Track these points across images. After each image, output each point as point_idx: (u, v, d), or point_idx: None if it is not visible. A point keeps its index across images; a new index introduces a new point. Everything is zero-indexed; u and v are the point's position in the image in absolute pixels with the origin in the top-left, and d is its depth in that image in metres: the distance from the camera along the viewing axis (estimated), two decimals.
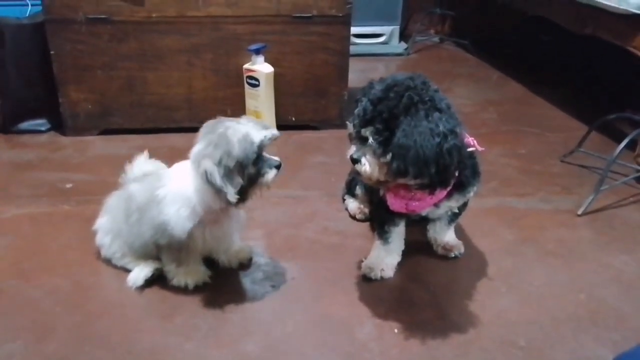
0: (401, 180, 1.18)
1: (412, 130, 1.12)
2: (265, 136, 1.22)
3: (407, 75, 1.20)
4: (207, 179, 1.17)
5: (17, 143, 2.14)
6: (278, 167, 1.26)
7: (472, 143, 1.26)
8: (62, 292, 1.37)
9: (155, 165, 1.44)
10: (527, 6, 2.68)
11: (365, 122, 1.18)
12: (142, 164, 1.44)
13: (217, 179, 1.17)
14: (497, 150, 2.12)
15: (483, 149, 1.29)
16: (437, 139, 1.11)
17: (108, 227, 1.41)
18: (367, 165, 1.19)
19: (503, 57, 3.23)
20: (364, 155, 1.19)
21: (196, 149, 1.22)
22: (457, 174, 1.22)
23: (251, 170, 1.21)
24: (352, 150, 1.22)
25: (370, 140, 1.17)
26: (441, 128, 1.12)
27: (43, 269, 1.44)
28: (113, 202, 1.42)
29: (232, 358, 1.19)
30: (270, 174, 1.25)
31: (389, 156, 1.15)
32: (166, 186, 1.29)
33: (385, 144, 1.15)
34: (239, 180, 1.20)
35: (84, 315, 1.30)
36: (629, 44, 1.91)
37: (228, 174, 1.18)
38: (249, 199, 1.26)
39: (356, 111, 1.20)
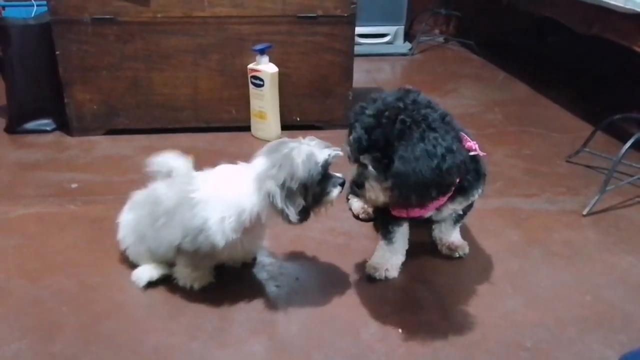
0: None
1: (409, 156, 1.11)
2: (329, 155, 1.21)
3: (396, 96, 1.19)
4: (270, 201, 1.17)
5: (23, 143, 2.15)
6: (342, 184, 1.25)
7: (474, 147, 1.26)
8: (68, 292, 1.37)
9: (182, 163, 1.37)
10: (533, 6, 2.68)
11: (362, 150, 1.18)
12: (169, 160, 1.37)
13: (279, 201, 1.16)
14: (503, 150, 2.12)
15: (485, 154, 1.28)
16: (435, 161, 1.11)
17: (132, 226, 1.37)
18: (370, 191, 1.21)
19: (508, 58, 3.23)
20: (367, 180, 1.20)
21: (259, 168, 1.21)
22: (458, 180, 1.22)
23: (316, 189, 1.21)
24: (354, 173, 1.23)
25: (370, 167, 1.19)
26: (438, 149, 1.11)
27: (49, 269, 1.45)
28: (140, 200, 1.38)
29: (237, 358, 1.19)
30: (335, 192, 1.24)
31: (390, 182, 1.16)
32: (202, 190, 1.25)
33: (385, 170, 1.16)
34: (301, 201, 1.20)
35: (89, 315, 1.30)
36: (636, 44, 1.91)
37: (290, 195, 1.18)
38: (311, 216, 1.25)
39: (351, 138, 1.20)
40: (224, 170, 1.30)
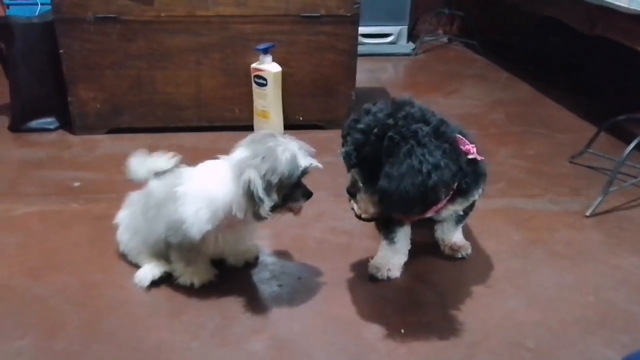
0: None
1: (394, 173, 1.12)
2: (310, 164, 1.22)
3: (388, 110, 1.19)
4: (248, 188, 1.17)
5: (26, 141, 2.16)
6: (309, 196, 1.27)
7: (472, 150, 1.25)
8: (71, 289, 1.37)
9: (170, 162, 1.39)
10: (537, 6, 2.67)
11: (352, 165, 1.22)
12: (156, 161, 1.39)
13: (260, 190, 1.17)
14: (506, 151, 2.11)
15: (482, 158, 1.28)
16: (420, 178, 1.11)
17: (127, 222, 1.41)
18: (361, 202, 1.25)
19: (512, 58, 3.23)
20: (358, 192, 1.24)
21: (239, 156, 1.22)
22: (455, 185, 1.23)
23: (287, 191, 1.22)
24: (348, 182, 1.27)
25: (359, 183, 1.22)
26: (424, 165, 1.11)
27: (51, 266, 1.45)
28: (134, 197, 1.41)
29: (238, 357, 1.19)
30: (301, 202, 1.26)
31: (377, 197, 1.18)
32: (186, 184, 1.28)
33: (373, 184, 1.18)
34: (275, 198, 1.20)
35: (92, 312, 1.30)
36: (639, 44, 1.90)
37: (268, 189, 1.18)
38: (272, 217, 1.25)
39: (342, 152, 1.23)
40: (207, 165, 1.31)
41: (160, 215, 1.30)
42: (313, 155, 1.25)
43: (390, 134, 1.14)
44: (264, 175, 1.17)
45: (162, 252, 1.37)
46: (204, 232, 1.26)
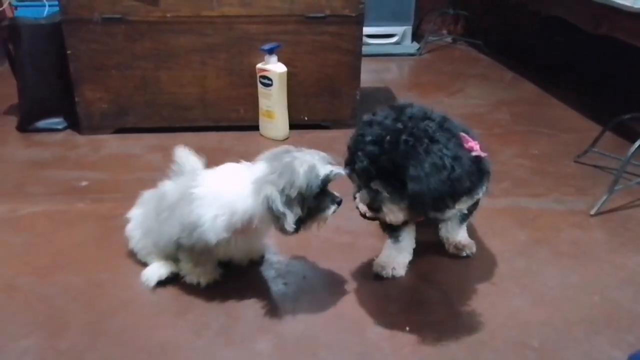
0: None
1: (420, 174, 1.12)
2: (331, 171, 1.21)
3: (392, 116, 1.19)
4: (268, 205, 1.17)
5: (33, 141, 2.17)
6: (339, 203, 1.26)
7: (475, 147, 1.26)
8: (76, 289, 1.38)
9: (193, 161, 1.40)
10: (541, 6, 2.67)
11: (371, 179, 1.19)
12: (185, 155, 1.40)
13: (279, 205, 1.17)
14: (510, 150, 2.11)
15: (486, 154, 1.28)
16: (445, 173, 1.12)
17: (140, 221, 1.40)
18: (389, 214, 1.22)
19: (516, 58, 3.22)
20: (383, 204, 1.21)
21: (258, 173, 1.21)
22: (468, 186, 1.23)
23: (312, 203, 1.21)
24: (365, 199, 1.23)
25: (384, 193, 1.19)
26: (445, 160, 1.12)
27: (57, 266, 1.46)
28: (147, 196, 1.41)
29: (243, 356, 1.19)
30: (330, 210, 1.25)
31: (407, 201, 1.17)
32: (202, 187, 1.26)
33: (399, 190, 1.17)
34: (298, 211, 1.20)
35: (97, 312, 1.31)
36: None
37: (289, 202, 1.18)
38: (304, 230, 1.25)
39: (357, 168, 1.20)
40: (227, 169, 1.30)
41: (175, 216, 1.28)
42: (334, 164, 1.23)
43: (404, 137, 1.14)
44: (283, 189, 1.17)
45: (172, 254, 1.37)
46: (220, 239, 1.25)
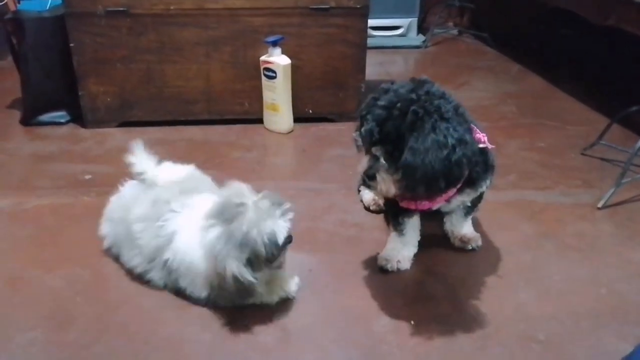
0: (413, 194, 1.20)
1: (419, 147, 1.11)
2: (288, 229, 1.20)
3: (409, 87, 1.19)
4: (237, 279, 1.15)
5: (38, 135, 2.17)
6: (290, 241, 1.24)
7: (483, 139, 1.25)
8: (82, 282, 1.38)
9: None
10: None
11: (373, 142, 1.18)
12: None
13: (249, 277, 1.16)
14: (516, 143, 2.10)
15: (494, 146, 1.27)
16: (445, 152, 1.10)
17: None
18: (381, 183, 1.20)
19: (523, 50, 3.20)
20: (378, 172, 1.19)
21: (212, 236, 1.17)
22: (467, 172, 1.22)
23: (276, 260, 1.22)
24: (364, 164, 1.22)
25: (382, 160, 1.18)
26: (449, 139, 1.11)
27: (63, 259, 1.46)
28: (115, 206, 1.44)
29: (248, 349, 1.19)
30: (284, 254, 1.25)
31: (400, 173, 1.15)
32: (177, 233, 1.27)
33: (396, 161, 1.16)
34: (266, 271, 1.21)
35: (103, 305, 1.31)
36: None
37: (254, 269, 1.18)
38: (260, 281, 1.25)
39: (362, 130, 1.19)
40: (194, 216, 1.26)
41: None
42: (285, 209, 1.21)
43: (414, 108, 1.13)
44: (248, 260, 1.16)
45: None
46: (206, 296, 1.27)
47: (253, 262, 1.17)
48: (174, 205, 1.29)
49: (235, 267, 1.15)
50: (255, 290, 1.21)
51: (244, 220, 1.16)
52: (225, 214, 1.18)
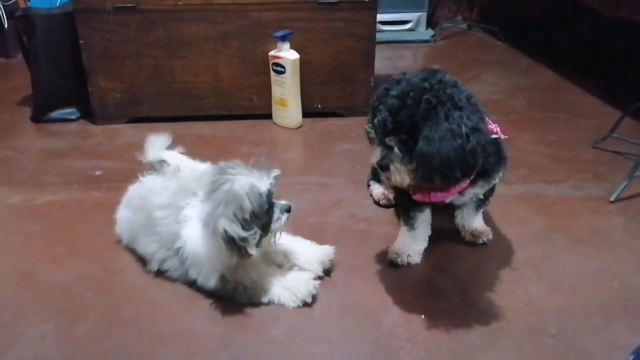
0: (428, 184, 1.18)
1: (434, 136, 1.10)
2: (270, 184, 1.20)
3: (422, 76, 1.18)
4: (227, 237, 1.16)
5: (48, 132, 2.18)
6: (289, 210, 1.25)
7: (496, 130, 1.24)
8: (92, 276, 1.39)
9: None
10: None
11: (387, 132, 1.17)
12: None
13: (240, 232, 1.16)
14: (527, 137, 2.08)
15: (506, 136, 1.26)
16: (459, 141, 1.10)
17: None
18: (395, 173, 1.19)
19: (533, 44, 3.17)
20: (392, 162, 1.18)
21: (205, 210, 1.20)
22: (481, 161, 1.20)
23: (264, 219, 1.21)
24: (377, 155, 1.21)
25: (396, 149, 1.17)
26: (463, 128, 1.10)
27: (74, 254, 1.47)
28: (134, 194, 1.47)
29: (258, 343, 1.19)
30: (282, 219, 1.24)
31: (414, 163, 1.14)
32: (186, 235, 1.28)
33: (410, 151, 1.15)
34: (256, 230, 1.19)
35: (113, 299, 1.32)
36: None
37: (246, 226, 1.17)
38: (263, 247, 1.25)
39: (375, 121, 1.19)
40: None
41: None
42: (269, 170, 1.22)
43: (427, 96, 1.12)
44: (235, 216, 1.16)
45: None
46: (216, 284, 1.28)
47: (241, 219, 1.16)
48: (200, 196, 1.30)
49: (225, 223, 1.15)
50: (251, 253, 1.19)
51: (223, 180, 1.19)
52: (213, 187, 1.21)
